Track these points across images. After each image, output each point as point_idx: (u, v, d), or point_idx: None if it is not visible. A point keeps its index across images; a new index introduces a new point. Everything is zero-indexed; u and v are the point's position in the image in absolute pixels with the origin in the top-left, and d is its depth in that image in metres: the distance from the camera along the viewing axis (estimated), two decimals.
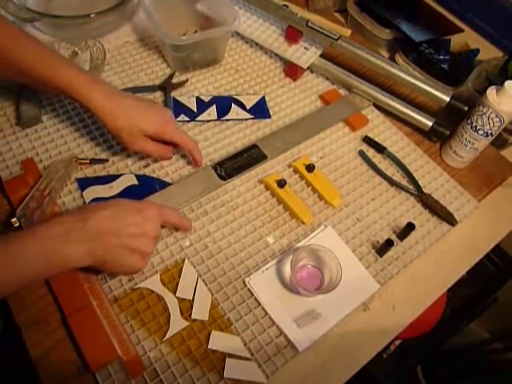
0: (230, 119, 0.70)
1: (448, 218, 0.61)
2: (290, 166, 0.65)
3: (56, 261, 0.44)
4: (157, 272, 0.53)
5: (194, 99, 0.71)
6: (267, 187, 0.62)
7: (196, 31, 0.80)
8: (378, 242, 0.59)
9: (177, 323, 0.49)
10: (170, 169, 0.63)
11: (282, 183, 0.60)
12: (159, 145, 0.59)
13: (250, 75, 0.77)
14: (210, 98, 0.72)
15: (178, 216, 0.54)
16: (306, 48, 0.76)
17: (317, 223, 0.60)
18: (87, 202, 0.57)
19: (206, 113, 0.70)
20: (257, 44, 0.81)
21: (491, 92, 0.60)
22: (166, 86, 0.71)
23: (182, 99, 0.71)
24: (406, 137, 0.72)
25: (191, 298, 0.51)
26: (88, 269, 0.48)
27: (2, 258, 0.42)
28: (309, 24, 0.72)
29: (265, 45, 0.77)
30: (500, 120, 0.60)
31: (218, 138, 0.67)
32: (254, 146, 0.65)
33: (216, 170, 0.62)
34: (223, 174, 0.62)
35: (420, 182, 0.65)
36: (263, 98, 0.73)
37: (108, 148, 0.63)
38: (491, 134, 0.63)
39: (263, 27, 0.78)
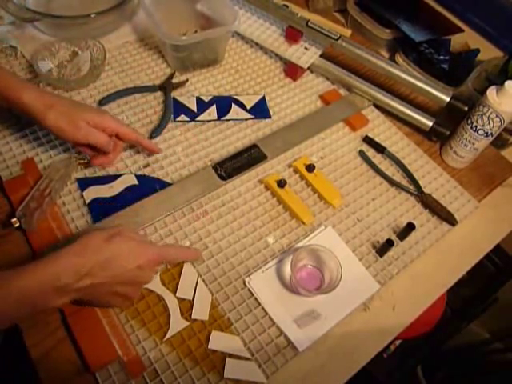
0: (230, 119, 0.70)
1: (448, 218, 0.61)
2: (290, 166, 0.65)
3: (41, 307, 0.42)
4: (157, 272, 0.53)
5: (194, 99, 0.71)
6: (267, 187, 0.62)
7: (196, 31, 0.80)
8: (378, 242, 0.59)
9: (177, 323, 0.49)
10: (170, 169, 0.62)
11: (282, 183, 0.60)
12: (103, 135, 0.56)
13: (250, 75, 0.77)
14: (210, 97, 0.72)
15: (178, 253, 0.52)
16: (306, 48, 0.76)
17: (317, 223, 0.60)
18: (87, 201, 0.57)
19: (206, 113, 0.70)
20: (257, 44, 0.81)
21: (491, 92, 0.60)
22: (166, 86, 0.71)
23: (182, 99, 0.71)
24: (406, 137, 0.72)
25: (191, 298, 0.51)
26: None
27: None
28: (309, 24, 0.72)
29: (265, 45, 0.77)
30: (500, 120, 0.60)
31: (218, 138, 0.67)
32: (254, 146, 0.65)
33: (216, 170, 0.62)
34: (223, 174, 0.62)
35: (420, 182, 0.65)
36: (263, 97, 0.73)
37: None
38: (491, 134, 0.63)
39: (263, 27, 0.78)
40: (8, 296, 0.39)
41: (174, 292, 0.52)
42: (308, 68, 0.76)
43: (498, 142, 0.73)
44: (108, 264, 0.43)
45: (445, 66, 0.79)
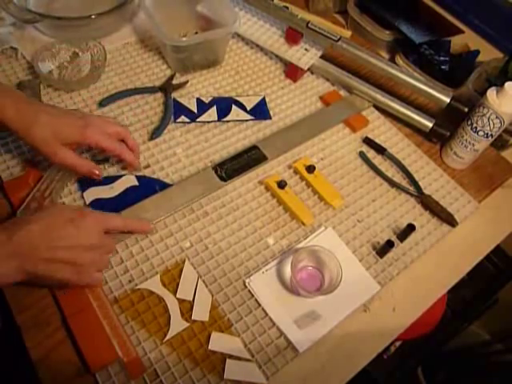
0: (231, 120, 0.70)
1: (448, 219, 0.61)
2: (290, 167, 0.65)
3: None
4: (157, 273, 0.53)
5: (195, 100, 0.71)
6: (267, 188, 0.62)
7: (196, 32, 0.80)
8: (378, 243, 0.59)
9: (177, 324, 0.49)
10: (170, 170, 0.63)
11: (282, 184, 0.60)
12: (82, 158, 0.55)
13: (251, 76, 0.77)
14: (210, 99, 0.72)
15: (123, 221, 0.52)
16: (306, 49, 0.76)
17: (317, 224, 0.60)
18: (88, 202, 0.57)
19: (206, 114, 0.70)
20: (257, 45, 0.81)
21: (491, 93, 0.61)
22: (167, 87, 0.71)
23: (182, 100, 0.71)
24: (407, 138, 0.72)
25: (191, 299, 0.51)
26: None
27: None
28: (309, 25, 0.72)
29: (265, 46, 0.77)
30: (500, 121, 0.61)
31: (218, 139, 0.67)
32: (254, 147, 0.65)
33: (216, 171, 0.62)
34: (223, 175, 0.62)
35: (420, 183, 0.65)
36: (263, 99, 0.73)
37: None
38: (491, 135, 0.63)
39: (263, 28, 0.79)
40: None
41: (174, 293, 0.52)
42: (308, 69, 0.76)
43: (498, 143, 0.73)
44: (43, 227, 0.44)
45: (445, 67, 0.79)
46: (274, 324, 0.51)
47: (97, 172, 0.56)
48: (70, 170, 0.55)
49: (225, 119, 0.70)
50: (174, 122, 0.68)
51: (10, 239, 0.42)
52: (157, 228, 0.56)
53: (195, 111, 0.70)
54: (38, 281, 0.46)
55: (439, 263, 0.59)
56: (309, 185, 0.63)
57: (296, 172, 0.64)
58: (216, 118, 0.69)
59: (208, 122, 0.69)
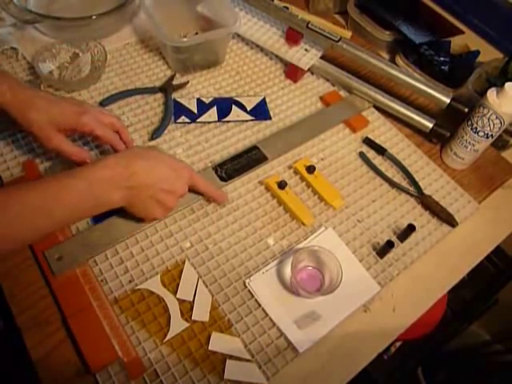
0: (231, 121, 0.70)
1: (448, 220, 0.61)
2: (290, 167, 0.65)
3: (102, 201, 0.48)
4: (157, 273, 0.53)
5: (195, 101, 0.71)
6: (268, 188, 0.62)
7: (197, 33, 0.80)
8: (378, 243, 0.59)
9: (177, 324, 0.49)
10: None
11: (282, 184, 0.60)
12: (76, 146, 0.56)
13: (251, 77, 0.77)
14: (210, 99, 0.72)
15: (207, 185, 0.57)
16: (306, 50, 0.76)
17: (317, 224, 0.60)
18: None
19: (206, 114, 0.70)
20: (257, 46, 0.81)
21: (491, 93, 0.61)
22: (167, 88, 0.72)
23: (182, 101, 0.71)
24: (407, 138, 0.72)
25: (191, 300, 0.51)
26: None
27: (56, 194, 0.45)
28: (309, 26, 0.73)
29: (265, 46, 0.77)
30: (500, 121, 0.61)
31: (218, 140, 0.67)
32: (254, 148, 0.65)
33: (217, 172, 0.62)
34: (224, 175, 0.62)
35: (420, 184, 0.65)
36: (264, 99, 0.73)
37: (109, 149, 0.63)
38: (491, 135, 0.63)
39: (264, 29, 0.79)
40: (74, 188, 0.46)
41: (175, 293, 0.52)
42: (308, 69, 0.76)
43: (499, 144, 0.73)
44: (151, 168, 0.50)
45: (445, 67, 0.79)
46: (274, 324, 0.51)
47: (89, 161, 0.56)
48: (64, 156, 0.55)
49: (225, 119, 0.70)
50: (175, 122, 0.68)
51: (127, 171, 0.48)
52: (157, 228, 0.57)
53: (195, 111, 0.70)
54: (131, 210, 0.52)
55: (439, 263, 0.59)
56: (309, 185, 0.63)
57: (296, 172, 0.64)
58: (216, 119, 0.69)
59: (208, 122, 0.69)
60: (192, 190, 0.57)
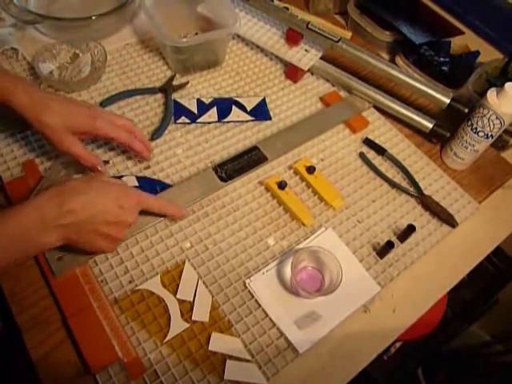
0: (231, 121, 0.70)
1: (448, 220, 0.61)
2: (290, 167, 0.65)
3: (32, 247, 0.46)
4: (157, 274, 0.53)
5: (195, 101, 0.71)
6: (268, 189, 0.62)
7: (197, 33, 0.80)
8: (378, 243, 0.59)
9: (177, 325, 0.49)
10: (170, 170, 0.63)
11: (282, 185, 0.60)
12: (88, 151, 0.56)
13: (251, 77, 0.77)
14: (210, 99, 0.72)
15: (161, 206, 0.54)
16: (306, 50, 0.76)
17: (317, 225, 0.60)
18: None
19: (206, 115, 0.70)
20: (257, 46, 0.81)
21: (491, 94, 0.61)
22: (167, 88, 0.72)
23: (182, 101, 0.71)
24: (407, 139, 0.72)
25: (191, 300, 0.51)
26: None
27: None
28: (309, 26, 0.73)
29: (265, 47, 0.77)
30: (500, 122, 0.61)
31: (218, 140, 0.67)
32: (254, 148, 0.65)
33: (217, 172, 0.62)
34: (224, 175, 0.62)
35: (420, 184, 0.65)
36: (264, 99, 0.74)
37: (109, 149, 0.64)
38: (491, 135, 0.63)
39: (264, 29, 0.79)
40: (2, 234, 0.43)
41: (175, 293, 0.52)
42: (308, 70, 0.76)
43: (499, 144, 0.73)
44: (91, 201, 0.47)
45: (445, 68, 0.79)
46: (274, 325, 0.51)
47: (99, 168, 0.57)
48: (75, 160, 0.56)
49: (225, 120, 0.70)
50: (175, 122, 0.68)
51: (61, 210, 0.45)
52: (157, 229, 0.57)
53: (195, 112, 0.70)
54: (74, 246, 0.49)
55: (439, 264, 0.59)
56: (309, 185, 0.63)
57: (296, 173, 0.64)
58: (216, 119, 0.69)
59: (208, 122, 0.69)
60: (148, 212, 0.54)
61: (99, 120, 0.55)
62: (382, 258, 0.58)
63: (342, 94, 0.76)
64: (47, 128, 0.52)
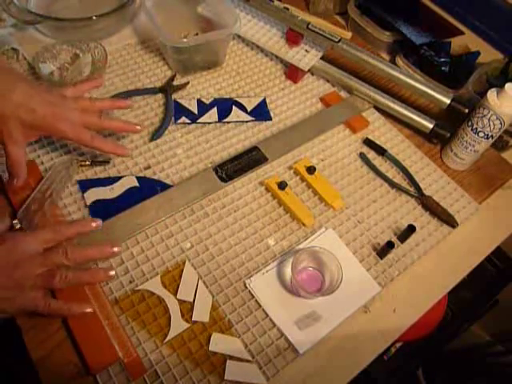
0: (231, 121, 0.70)
1: (449, 220, 0.61)
2: (290, 168, 0.65)
3: None
4: (157, 274, 0.53)
5: (195, 101, 0.71)
6: (268, 189, 0.62)
7: (197, 34, 0.80)
8: (378, 244, 0.59)
9: (177, 325, 0.49)
10: (170, 171, 0.63)
11: (282, 185, 0.60)
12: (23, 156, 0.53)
13: (251, 77, 0.77)
14: (210, 100, 0.72)
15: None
16: (306, 50, 0.76)
17: (317, 225, 0.60)
18: (88, 203, 0.57)
19: (206, 115, 0.70)
20: (258, 46, 0.81)
21: (492, 94, 0.61)
22: (167, 89, 0.72)
23: (183, 101, 0.71)
24: (407, 139, 0.72)
25: (192, 300, 0.51)
26: None
27: None
28: (309, 26, 0.73)
29: (265, 47, 0.77)
30: (500, 122, 0.61)
31: (218, 140, 0.67)
32: (254, 148, 0.65)
33: (217, 172, 0.62)
34: (224, 175, 0.62)
35: (421, 184, 0.65)
36: (264, 100, 0.74)
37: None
38: (492, 136, 0.63)
39: (264, 30, 0.79)
40: None
41: (175, 294, 0.52)
42: (308, 70, 0.76)
43: (499, 144, 0.73)
44: None
45: (445, 68, 0.79)
46: (274, 325, 0.51)
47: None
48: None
49: (225, 120, 0.70)
50: (175, 123, 0.68)
51: None
52: (158, 229, 0.57)
53: (196, 112, 0.70)
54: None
55: (440, 264, 0.59)
56: (309, 186, 0.63)
57: (296, 173, 0.64)
58: (217, 119, 0.70)
59: (209, 122, 0.69)
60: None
61: (62, 124, 0.52)
62: (382, 258, 0.58)
63: (343, 94, 0.76)
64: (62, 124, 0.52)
